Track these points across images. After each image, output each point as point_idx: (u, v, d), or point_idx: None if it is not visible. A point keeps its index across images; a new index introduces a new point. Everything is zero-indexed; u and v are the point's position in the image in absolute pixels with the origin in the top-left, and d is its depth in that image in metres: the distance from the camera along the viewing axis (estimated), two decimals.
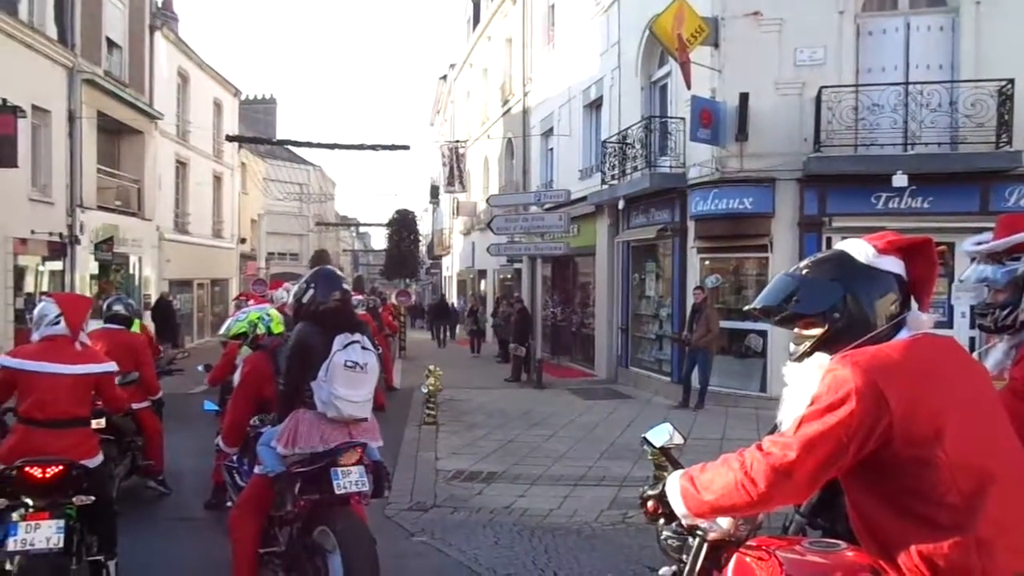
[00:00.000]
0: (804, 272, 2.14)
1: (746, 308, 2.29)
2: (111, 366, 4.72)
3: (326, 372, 4.08)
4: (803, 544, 2.31)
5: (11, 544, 3.70)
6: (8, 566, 3.75)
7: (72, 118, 17.27)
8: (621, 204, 14.61)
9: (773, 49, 11.61)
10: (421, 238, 48.39)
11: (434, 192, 41.81)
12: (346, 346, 4.14)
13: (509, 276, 24.79)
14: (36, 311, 4.47)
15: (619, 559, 5.25)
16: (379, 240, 67.02)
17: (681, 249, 13.27)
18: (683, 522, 2.38)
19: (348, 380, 4.11)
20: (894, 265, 2.10)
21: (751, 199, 11.74)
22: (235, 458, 5.12)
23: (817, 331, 2.08)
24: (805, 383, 2.02)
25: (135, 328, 9.78)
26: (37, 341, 4.39)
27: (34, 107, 15.67)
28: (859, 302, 2.04)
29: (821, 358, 2.03)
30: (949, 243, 11.11)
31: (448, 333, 29.13)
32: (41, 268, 16.78)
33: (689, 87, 11.47)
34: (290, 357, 4.28)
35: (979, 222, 11.01)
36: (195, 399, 8.24)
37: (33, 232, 15.86)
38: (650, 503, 2.41)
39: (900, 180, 10.74)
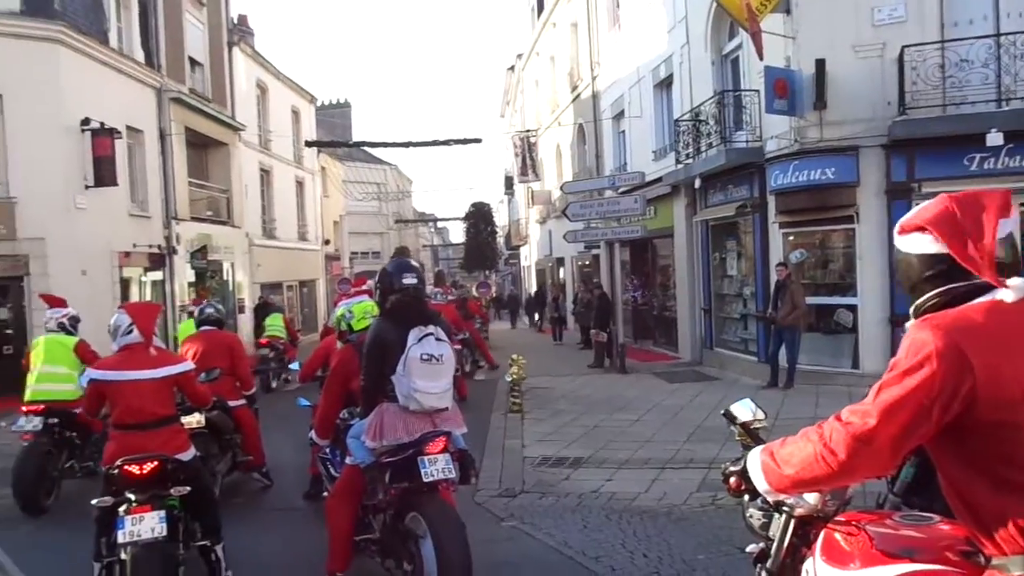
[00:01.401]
0: None
1: None
2: (187, 365, 4.99)
3: (403, 366, 4.18)
4: (895, 518, 2.26)
5: (121, 537, 4.01)
6: (123, 555, 4.05)
7: (163, 135, 18.14)
8: (697, 183, 14.36)
9: (849, 10, 11.18)
10: (498, 229, 48.72)
11: (508, 183, 42.00)
12: (421, 339, 4.22)
13: (587, 263, 24.69)
14: (111, 322, 4.74)
15: (710, 541, 5.22)
16: (457, 234, 67.80)
17: (762, 225, 12.95)
18: (767, 498, 2.36)
19: (425, 372, 4.20)
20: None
21: (834, 169, 11.35)
22: (328, 450, 5.33)
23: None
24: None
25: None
26: (116, 352, 4.67)
27: (128, 128, 16.54)
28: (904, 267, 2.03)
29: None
30: None
31: (539, 321, 30.46)
32: (144, 279, 17.72)
33: (761, 58, 11.17)
34: (367, 354, 4.38)
35: None
36: (290, 395, 8.58)
37: (135, 245, 16.78)
38: (732, 479, 2.40)
39: (995, 139, 10.18)
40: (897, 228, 2.05)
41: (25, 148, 14.02)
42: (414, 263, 4.93)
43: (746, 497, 2.57)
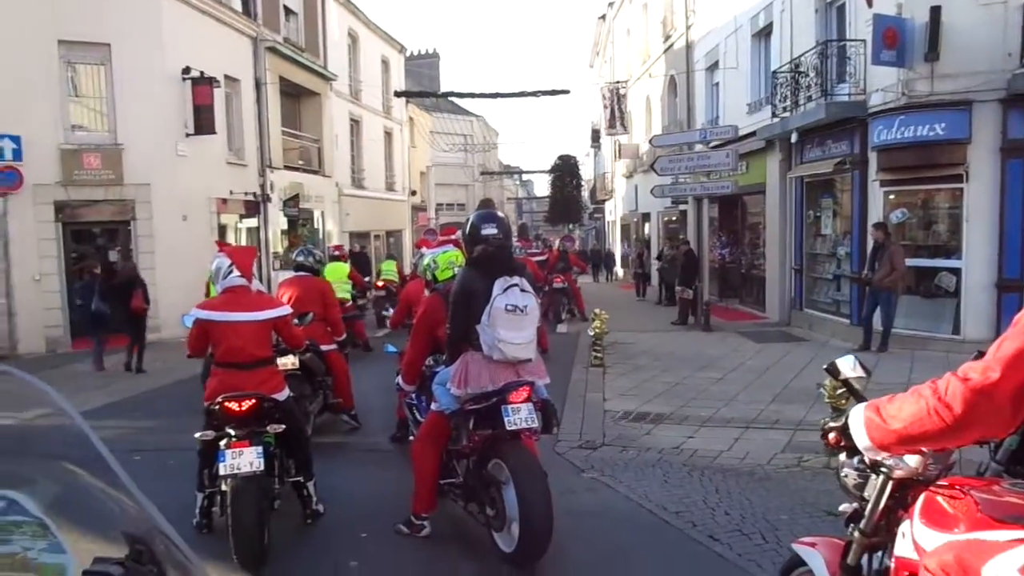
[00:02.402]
0: None
1: None
2: (286, 309, 5.19)
3: (488, 316, 4.24)
4: (1001, 485, 2.18)
5: (222, 469, 4.27)
6: (223, 487, 4.30)
7: (258, 85, 18.60)
8: (794, 137, 13.81)
9: None
10: (583, 183, 48.25)
11: (595, 136, 41.37)
12: (506, 290, 4.27)
13: (674, 218, 24.24)
14: (213, 265, 4.95)
15: (794, 502, 5.15)
16: (542, 187, 67.55)
17: (861, 183, 12.39)
18: (866, 456, 2.31)
19: (510, 323, 4.25)
20: None
21: (943, 124, 10.71)
22: (414, 396, 5.48)
23: None
24: None
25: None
26: (220, 293, 4.89)
27: (226, 77, 17.03)
28: None
29: None
30: None
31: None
32: (240, 225, 18.41)
33: (871, 5, 10.58)
34: (453, 303, 4.45)
35: None
36: (378, 342, 8.82)
37: (231, 192, 17.41)
38: (832, 435, 2.36)
39: None
40: None
41: (131, 97, 14.64)
42: (499, 214, 4.95)
43: (842, 456, 2.52)
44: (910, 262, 11.32)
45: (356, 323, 11.97)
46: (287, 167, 20.21)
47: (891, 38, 10.71)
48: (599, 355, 10.69)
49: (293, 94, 21.32)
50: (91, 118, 15.01)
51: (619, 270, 34.53)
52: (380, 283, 16.34)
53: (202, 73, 15.52)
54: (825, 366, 2.65)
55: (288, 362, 5.69)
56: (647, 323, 15.90)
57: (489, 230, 4.46)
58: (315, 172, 22.17)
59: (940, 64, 10.59)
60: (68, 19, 14.03)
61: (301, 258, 7.60)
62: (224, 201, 17.14)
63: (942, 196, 11.72)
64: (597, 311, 11.18)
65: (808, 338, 13.30)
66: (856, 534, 2.47)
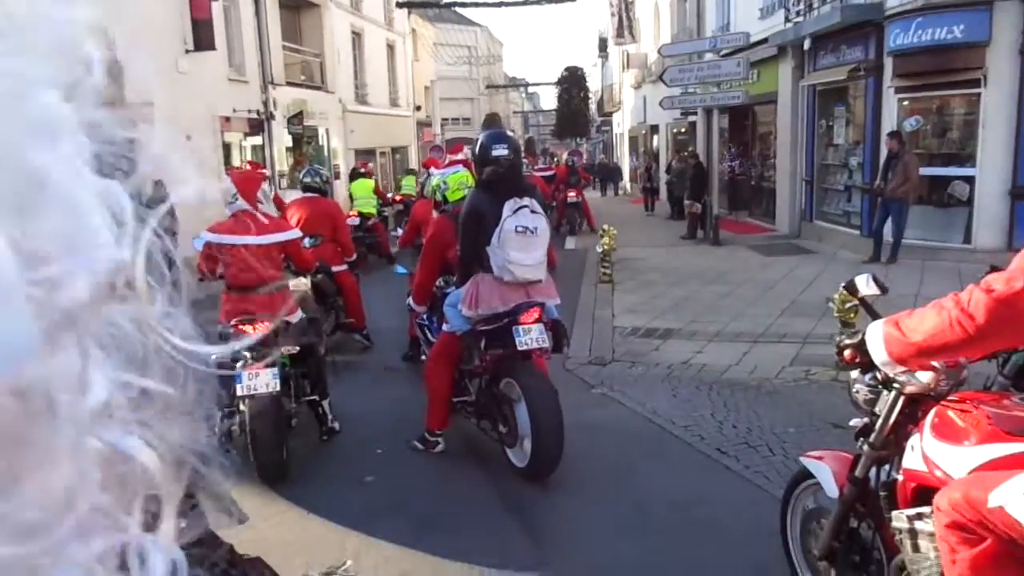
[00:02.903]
0: None
1: None
2: (295, 233, 5.21)
3: (498, 238, 4.26)
4: (1011, 399, 2.22)
5: (239, 390, 4.37)
6: (241, 407, 4.42)
7: None
8: (807, 44, 13.40)
9: None
10: (591, 95, 47.27)
11: (602, 45, 40.24)
12: (516, 211, 4.28)
13: (683, 130, 23.80)
14: (222, 189, 4.95)
15: (801, 415, 5.25)
16: (548, 100, 66.27)
17: (876, 90, 12.08)
18: (881, 371, 2.34)
19: (520, 244, 4.28)
20: None
21: (962, 26, 10.36)
22: (425, 316, 5.54)
23: None
24: None
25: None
26: (229, 216, 4.89)
27: None
28: None
29: None
30: None
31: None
32: (244, 143, 18.20)
33: None
34: (463, 225, 4.46)
35: None
36: (375, 277, 8.84)
37: (234, 110, 17.12)
38: (847, 351, 2.39)
39: None
40: None
41: (127, 13, 14.24)
42: (509, 133, 4.91)
43: (854, 372, 2.56)
44: (923, 171, 11.15)
45: (380, 235, 13.18)
46: (289, 83, 19.79)
47: None
48: (608, 271, 10.71)
49: (292, 6, 20.68)
50: (90, 39, 14.65)
51: (627, 184, 34.20)
52: (398, 196, 16.10)
53: None
54: (843, 284, 2.67)
55: (300, 284, 5.74)
56: (656, 238, 15.85)
57: (500, 151, 4.43)
58: (318, 88, 21.72)
59: None
60: None
61: (308, 179, 7.55)
62: (227, 119, 16.87)
63: (958, 102, 11.44)
64: (605, 227, 11.14)
65: (817, 250, 13.25)
66: (866, 448, 2.54)
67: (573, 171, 17.79)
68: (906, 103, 11.79)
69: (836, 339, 2.50)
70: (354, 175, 16.74)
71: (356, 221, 13.90)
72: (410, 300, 5.62)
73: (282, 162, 19.21)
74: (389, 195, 16.75)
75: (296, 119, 19.54)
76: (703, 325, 8.11)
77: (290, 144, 20.02)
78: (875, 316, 2.43)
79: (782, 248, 13.68)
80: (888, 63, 11.59)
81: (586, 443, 4.88)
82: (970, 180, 11.00)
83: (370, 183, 14.27)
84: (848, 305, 5.83)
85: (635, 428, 5.25)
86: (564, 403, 4.38)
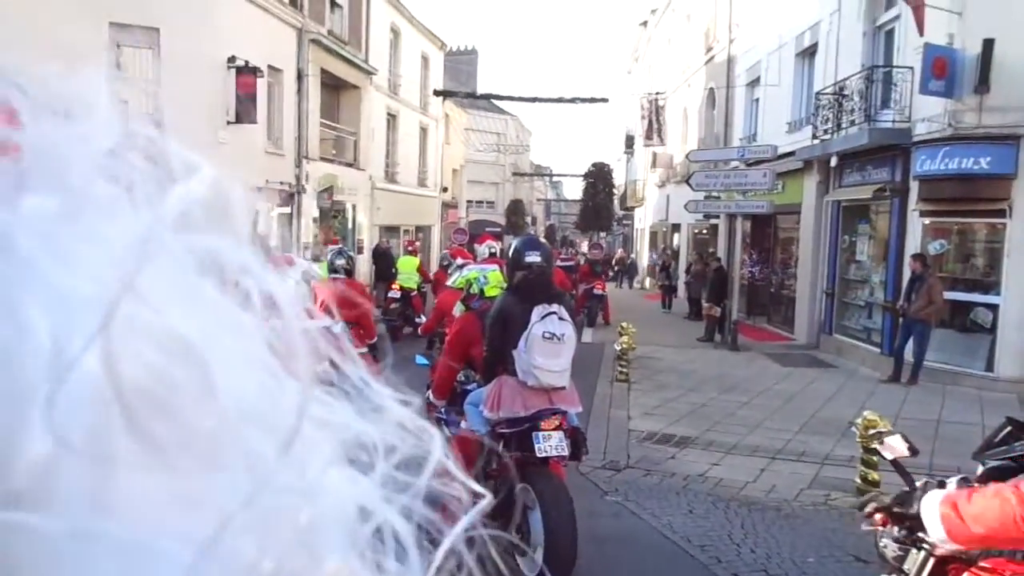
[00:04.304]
0: None
1: None
2: (327, 321, 5.21)
3: (525, 342, 4.29)
4: None
5: None
6: None
7: (300, 76, 18.73)
8: (834, 161, 13.67)
9: None
10: (615, 189, 48.15)
11: (629, 142, 41.22)
12: (544, 317, 4.31)
13: (704, 231, 24.07)
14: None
15: (821, 543, 5.11)
16: (571, 189, 67.48)
17: (900, 211, 12.23)
18: (930, 542, 2.32)
19: (546, 350, 4.30)
20: None
21: (989, 158, 10.54)
22: (443, 410, 5.51)
23: None
24: None
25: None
26: None
27: (269, 67, 17.17)
28: None
29: None
30: None
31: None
32: (272, 213, 18.58)
33: (922, 33, 10.42)
34: (491, 326, 4.51)
35: None
36: (406, 348, 8.85)
37: (267, 181, 17.55)
38: (879, 515, 2.36)
39: None
40: None
41: (175, 82, 14.82)
42: (542, 240, 5.02)
43: (887, 526, 2.51)
44: (947, 295, 11.16)
45: (417, 310, 14.34)
46: (323, 158, 20.35)
47: (940, 68, 10.56)
48: (624, 370, 10.66)
49: (333, 86, 21.45)
50: (137, 102, 15.19)
51: (644, 279, 34.40)
52: (396, 285, 14.80)
53: (247, 62, 15.67)
54: (877, 444, 2.65)
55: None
56: (673, 338, 15.82)
57: (533, 257, 4.52)
58: (350, 164, 22.30)
59: (990, 97, 10.42)
60: (120, 2, 14.23)
61: (340, 260, 7.65)
62: (259, 190, 17.30)
63: (983, 230, 11.55)
64: (624, 324, 11.16)
65: (836, 364, 13.16)
66: None
67: (597, 265, 18.71)
68: (930, 226, 11.90)
69: (868, 502, 2.46)
70: (382, 252, 17.09)
71: (398, 295, 14.54)
72: (429, 393, 5.60)
73: (308, 233, 19.52)
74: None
75: (326, 193, 19.99)
76: (720, 435, 8.00)
77: (317, 215, 20.41)
78: (906, 477, 2.42)
79: (800, 359, 13.60)
80: (914, 186, 11.77)
81: (599, 555, 4.75)
82: (994, 308, 10.99)
83: (415, 260, 15.36)
84: (872, 432, 5.74)
85: (650, 543, 5.12)
86: (578, 509, 4.29)
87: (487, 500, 0.43)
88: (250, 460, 0.35)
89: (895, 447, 2.54)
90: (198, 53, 14.93)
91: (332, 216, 21.31)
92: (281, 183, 18.20)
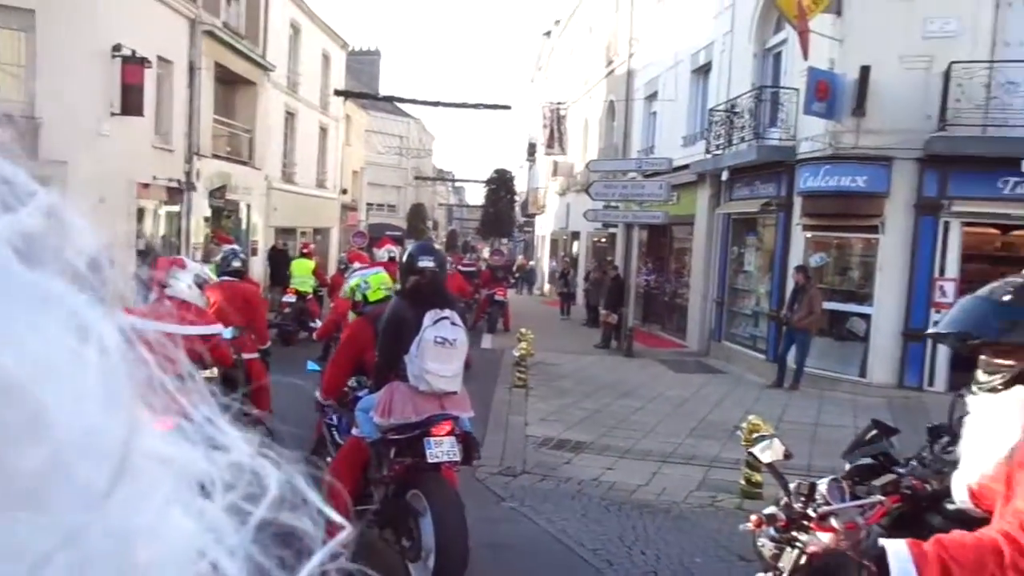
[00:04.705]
0: (1005, 299, 2.00)
1: (929, 332, 2.17)
2: (217, 327, 5.02)
3: (417, 347, 4.27)
4: None
5: None
6: None
7: (192, 69, 17.97)
8: (725, 175, 14.24)
9: (901, 19, 10.95)
10: (517, 196, 48.58)
11: (531, 149, 41.66)
12: (436, 322, 4.31)
13: (603, 239, 24.59)
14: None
15: (707, 544, 5.27)
16: (473, 194, 67.63)
17: (785, 225, 12.86)
18: (804, 541, 2.42)
19: (438, 355, 4.29)
20: None
21: (865, 177, 11.23)
22: (333, 417, 5.40)
23: (1009, 360, 1.98)
24: (1003, 416, 1.95)
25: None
26: (152, 301, 4.69)
27: (159, 58, 16.39)
28: None
29: (1021, 391, 1.95)
30: None
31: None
32: (160, 211, 17.73)
33: (807, 57, 10.99)
34: (383, 332, 4.48)
35: None
36: (301, 353, 8.61)
37: (155, 178, 16.73)
38: (755, 516, 2.46)
39: None
40: None
41: (54, 69, 13.92)
42: (437, 247, 5.03)
43: (762, 526, 2.61)
44: (825, 305, 11.80)
45: (313, 314, 13.87)
46: (215, 155, 19.58)
47: (822, 91, 11.17)
48: (523, 376, 10.73)
49: (228, 81, 20.69)
50: (6, 88, 14.19)
51: (544, 285, 34.84)
52: (291, 289, 14.35)
53: (134, 52, 14.90)
54: (749, 451, 2.75)
55: (207, 372, 5.50)
56: (571, 344, 16.05)
57: (425, 263, 4.53)
58: (244, 163, 21.55)
59: (866, 120, 11.10)
60: None
61: (237, 263, 7.37)
62: (146, 186, 16.46)
63: (859, 244, 12.28)
64: (523, 331, 11.24)
65: (725, 370, 13.69)
66: None
67: (498, 271, 18.78)
68: (812, 239, 12.56)
69: (765, 544, 2.57)
70: (286, 254, 16.55)
71: (293, 299, 14.06)
72: (318, 394, 5.49)
73: (198, 232, 18.74)
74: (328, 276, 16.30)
75: (218, 192, 19.25)
76: (614, 440, 8.16)
77: (208, 215, 19.62)
78: (780, 477, 2.55)
79: (692, 365, 14.06)
80: (797, 202, 12.40)
81: (493, 563, 4.75)
82: (867, 318, 11.69)
83: (310, 263, 14.84)
84: (755, 435, 5.97)
85: (544, 548, 5.15)
86: (473, 517, 4.27)
87: (347, 532, 0.41)
88: (80, 499, 0.34)
89: (771, 451, 2.64)
90: (79, 39, 14.09)
91: (225, 216, 20.54)
92: (170, 179, 17.40)
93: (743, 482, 6.19)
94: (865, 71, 10.89)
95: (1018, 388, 1.94)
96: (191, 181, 18.24)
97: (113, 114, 14.86)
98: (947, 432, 3.48)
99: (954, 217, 10.96)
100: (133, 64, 14.82)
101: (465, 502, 4.76)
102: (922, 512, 2.80)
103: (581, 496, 6.27)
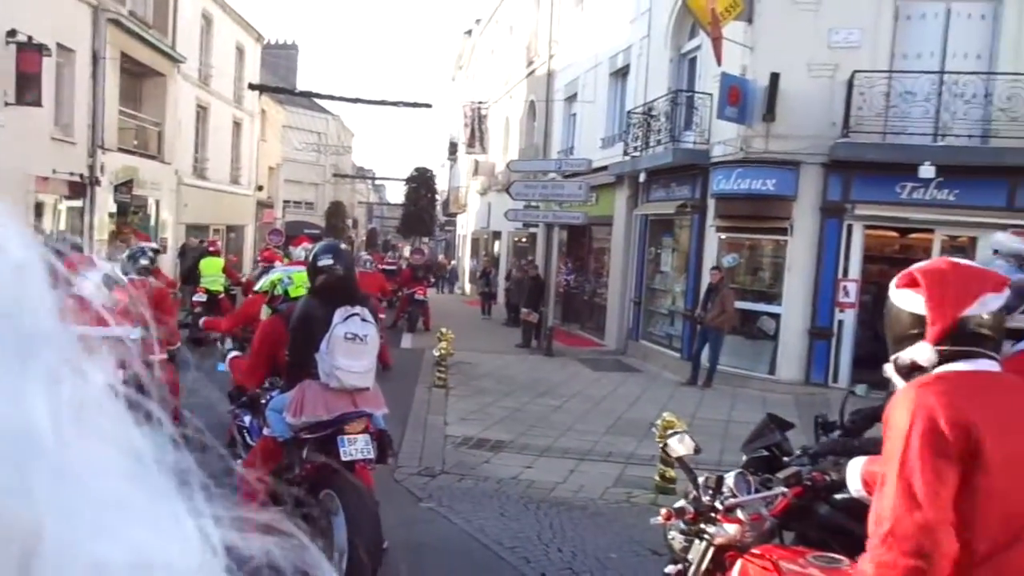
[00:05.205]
0: None
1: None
2: (127, 329, 4.79)
3: (327, 344, 4.25)
4: (807, 557, 2.38)
5: None
6: None
7: (96, 58, 17.16)
8: (642, 177, 14.50)
9: (808, 29, 11.39)
10: (438, 195, 48.34)
11: (452, 148, 41.56)
12: (346, 319, 4.31)
13: (524, 239, 24.71)
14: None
15: (623, 539, 5.34)
16: (394, 192, 67.00)
17: (700, 226, 13.20)
18: (711, 533, 2.48)
19: (348, 351, 4.28)
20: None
21: (774, 181, 11.62)
22: (245, 418, 5.27)
23: None
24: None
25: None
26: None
27: (59, 46, 15.57)
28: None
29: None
30: (972, 237, 11.07)
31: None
32: (60, 206, 16.86)
33: (720, 63, 11.29)
34: (293, 330, 4.45)
35: (1005, 218, 10.92)
36: (213, 353, 8.32)
37: (54, 171, 15.90)
38: (664, 510, 2.53)
39: (927, 171, 10.59)
40: (894, 281, 2.05)
41: None
42: (341, 246, 5.04)
43: (671, 519, 2.66)
44: (737, 305, 12.16)
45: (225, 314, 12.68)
46: (121, 149, 18.75)
47: (735, 96, 11.51)
48: (443, 375, 10.67)
49: (135, 72, 19.84)
50: None
51: (466, 285, 34.80)
52: (202, 288, 13.65)
53: (30, 38, 14.11)
54: (662, 445, 2.82)
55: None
56: (491, 344, 16.06)
57: (325, 261, 4.49)
58: (153, 157, 20.73)
59: (776, 125, 11.49)
60: None
61: (144, 261, 7.07)
62: (44, 179, 15.62)
63: (769, 246, 12.71)
64: (444, 330, 11.18)
65: (642, 369, 13.95)
66: None
67: (419, 269, 18.56)
68: (726, 241, 12.94)
69: (675, 536, 2.65)
70: (199, 252, 15.88)
71: (204, 298, 13.44)
72: (231, 392, 5.37)
73: (103, 230, 17.91)
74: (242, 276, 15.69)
75: (125, 187, 18.45)
76: (533, 439, 8.20)
77: (114, 211, 18.77)
78: (690, 472, 2.64)
79: (610, 364, 14.28)
80: (711, 204, 12.75)
81: (410, 563, 4.70)
82: (776, 317, 12.12)
83: (220, 261, 14.32)
84: (670, 432, 6.10)
85: (461, 548, 5.12)
86: (391, 518, 4.21)
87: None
88: None
89: (681, 446, 2.70)
90: None
91: (132, 212, 19.70)
92: (71, 173, 16.57)
93: (658, 478, 6.31)
94: (775, 78, 11.28)
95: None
96: (95, 175, 17.42)
97: (7, 104, 14.04)
98: (838, 426, 3.68)
99: (857, 220, 11.47)
100: (30, 51, 14.05)
101: (383, 503, 4.70)
102: (812, 503, 2.92)
103: (500, 495, 6.27)
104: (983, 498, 1.76)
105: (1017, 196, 10.73)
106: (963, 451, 1.76)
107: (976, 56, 11.22)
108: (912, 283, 1.97)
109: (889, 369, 2.04)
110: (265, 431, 4.68)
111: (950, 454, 1.75)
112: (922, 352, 1.92)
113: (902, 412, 1.82)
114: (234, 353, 6.16)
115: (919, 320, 1.93)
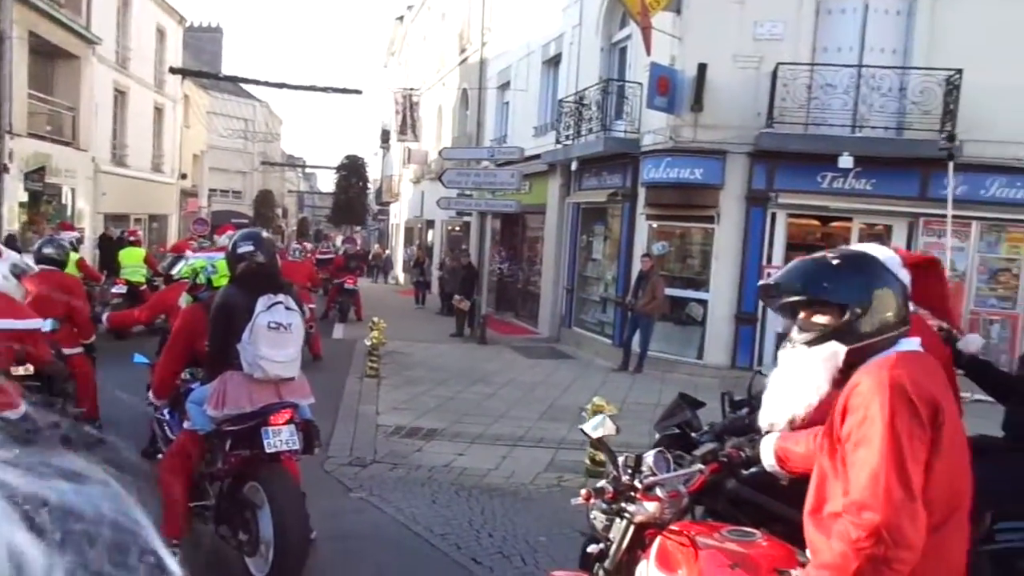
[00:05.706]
0: (834, 262, 2.15)
1: (761, 283, 2.35)
2: (36, 322, 4.57)
3: (250, 333, 4.16)
4: (722, 532, 2.44)
5: None
6: None
7: (1, 38, 16.30)
8: (574, 165, 14.60)
9: (734, 21, 11.62)
10: (370, 184, 47.71)
11: (385, 136, 41.03)
12: (270, 307, 4.22)
13: (458, 228, 24.63)
14: None
15: (552, 522, 5.38)
16: (325, 181, 65.87)
17: (630, 214, 13.37)
18: (631, 511, 2.52)
19: (272, 340, 4.20)
20: (906, 278, 2.15)
21: (702, 170, 11.85)
22: (165, 412, 5.10)
23: (825, 319, 2.12)
24: (812, 368, 2.10)
25: (70, 266, 9.46)
26: None
27: None
28: (882, 302, 2.08)
29: (834, 346, 2.08)
30: (888, 225, 11.51)
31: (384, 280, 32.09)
32: None
33: (649, 53, 11.42)
34: (213, 320, 4.32)
35: (918, 207, 11.42)
36: (130, 346, 8.02)
37: None
38: (584, 491, 2.58)
39: (846, 161, 10.95)
40: None
41: None
42: (263, 233, 4.92)
43: (592, 499, 2.69)
44: (667, 292, 12.38)
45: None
46: (32, 134, 17.88)
47: (664, 86, 11.67)
48: (375, 365, 10.56)
49: (46, 54, 18.93)
50: None
51: (399, 274, 34.50)
52: (121, 280, 13.08)
53: None
54: (580, 427, 2.86)
55: (21, 370, 5.01)
56: (425, 333, 15.98)
57: (245, 248, 4.39)
58: (67, 143, 19.82)
59: (703, 115, 11.71)
60: None
61: (48, 249, 6.75)
62: None
63: (697, 234, 12.96)
64: (375, 319, 11.06)
65: (575, 356, 14.08)
66: (601, 573, 2.66)
67: (352, 258, 18.49)
68: (656, 229, 13.14)
69: (597, 516, 2.69)
70: (119, 243, 15.26)
71: (124, 289, 12.87)
72: (150, 394, 5.14)
73: (13, 220, 17.07)
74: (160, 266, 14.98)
75: (36, 174, 17.60)
76: (466, 426, 8.19)
77: (25, 200, 17.90)
78: (610, 452, 2.67)
79: (543, 351, 14.37)
80: (642, 192, 12.93)
81: (339, 554, 4.64)
82: (704, 303, 12.38)
83: (140, 252, 13.90)
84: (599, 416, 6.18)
85: (392, 537, 5.08)
86: (320, 509, 4.13)
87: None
88: None
89: (603, 428, 2.72)
90: None
91: (45, 201, 18.82)
92: None
93: (588, 461, 6.38)
94: (702, 68, 11.48)
95: (830, 344, 2.09)
96: (2, 162, 16.58)
97: None
98: (746, 404, 3.82)
99: (780, 209, 11.79)
100: None
101: (313, 494, 4.63)
102: (723, 482, 3.00)
103: (431, 483, 6.24)
104: (936, 475, 1.90)
105: (929, 186, 11.19)
106: (934, 428, 1.90)
107: (892, 51, 11.64)
108: None
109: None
110: (185, 424, 4.53)
111: (925, 432, 1.89)
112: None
113: (875, 390, 1.92)
114: (141, 359, 5.85)
115: None
